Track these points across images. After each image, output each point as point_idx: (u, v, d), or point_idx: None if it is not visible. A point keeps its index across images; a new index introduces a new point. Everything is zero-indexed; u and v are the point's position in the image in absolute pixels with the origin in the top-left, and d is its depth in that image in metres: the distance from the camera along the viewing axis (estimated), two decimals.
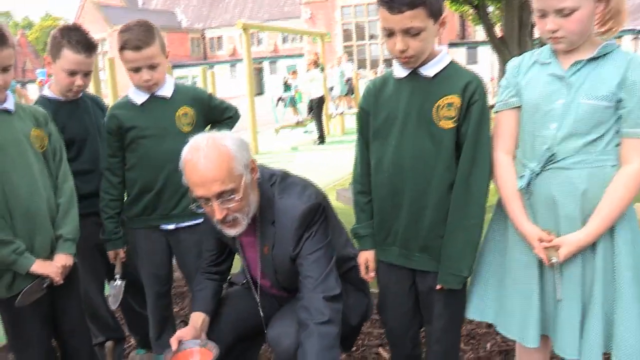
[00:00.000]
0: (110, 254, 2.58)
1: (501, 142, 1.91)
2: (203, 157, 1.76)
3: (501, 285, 1.96)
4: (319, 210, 1.95)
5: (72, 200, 2.23)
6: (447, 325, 2.04)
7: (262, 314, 2.16)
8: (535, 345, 1.85)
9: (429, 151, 1.89)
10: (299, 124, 13.54)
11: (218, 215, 1.80)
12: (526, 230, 1.82)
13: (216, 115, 2.61)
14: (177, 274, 4.22)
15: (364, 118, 2.06)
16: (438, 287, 1.96)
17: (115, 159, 2.48)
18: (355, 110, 15.28)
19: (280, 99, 17.05)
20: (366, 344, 2.93)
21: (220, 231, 2.04)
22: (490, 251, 2.02)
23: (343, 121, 14.10)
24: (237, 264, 2.39)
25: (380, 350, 2.88)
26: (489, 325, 3.11)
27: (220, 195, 1.78)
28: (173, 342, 1.95)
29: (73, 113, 2.52)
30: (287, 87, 17.38)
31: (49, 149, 2.20)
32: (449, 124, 1.86)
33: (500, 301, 1.97)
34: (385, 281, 2.13)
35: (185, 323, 3.36)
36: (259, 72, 34.46)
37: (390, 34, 1.81)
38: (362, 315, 2.26)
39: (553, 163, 1.76)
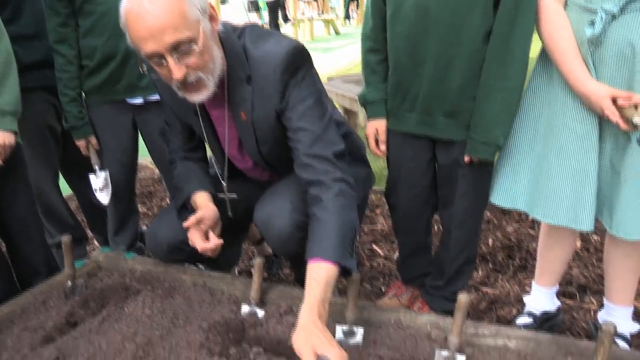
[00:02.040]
0: (81, 143, 2.20)
1: None
2: (147, 2, 1.37)
3: (541, 165, 1.66)
4: (304, 53, 1.59)
5: (9, 65, 1.83)
6: (471, 207, 1.79)
7: (229, 206, 1.83)
8: (590, 228, 1.59)
9: None
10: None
11: (177, 74, 1.42)
12: (591, 89, 1.48)
13: None
14: (142, 174, 3.89)
15: None
16: (466, 159, 1.68)
17: (67, 28, 2.06)
18: (325, 16, 14.78)
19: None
20: (358, 241, 2.66)
21: (180, 107, 1.68)
22: (524, 125, 1.70)
23: (312, 27, 13.58)
24: None
25: (374, 246, 2.63)
26: (488, 221, 2.91)
27: (175, 47, 1.40)
28: (192, 222, 1.60)
29: None
30: None
31: None
32: None
33: (538, 184, 1.67)
34: (398, 155, 1.84)
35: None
36: None
37: None
38: (366, 187, 1.92)
39: (635, 2, 1.42)
